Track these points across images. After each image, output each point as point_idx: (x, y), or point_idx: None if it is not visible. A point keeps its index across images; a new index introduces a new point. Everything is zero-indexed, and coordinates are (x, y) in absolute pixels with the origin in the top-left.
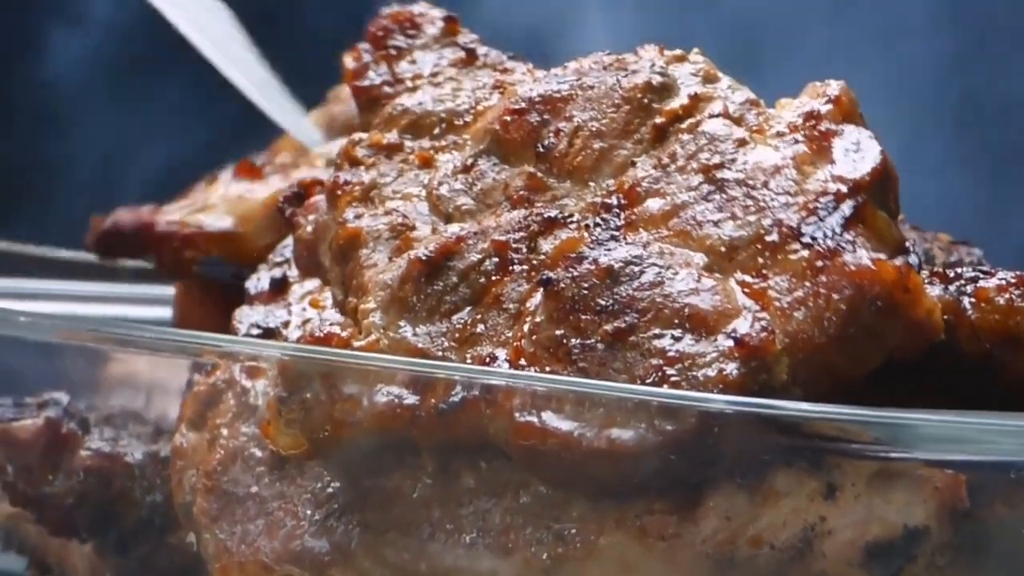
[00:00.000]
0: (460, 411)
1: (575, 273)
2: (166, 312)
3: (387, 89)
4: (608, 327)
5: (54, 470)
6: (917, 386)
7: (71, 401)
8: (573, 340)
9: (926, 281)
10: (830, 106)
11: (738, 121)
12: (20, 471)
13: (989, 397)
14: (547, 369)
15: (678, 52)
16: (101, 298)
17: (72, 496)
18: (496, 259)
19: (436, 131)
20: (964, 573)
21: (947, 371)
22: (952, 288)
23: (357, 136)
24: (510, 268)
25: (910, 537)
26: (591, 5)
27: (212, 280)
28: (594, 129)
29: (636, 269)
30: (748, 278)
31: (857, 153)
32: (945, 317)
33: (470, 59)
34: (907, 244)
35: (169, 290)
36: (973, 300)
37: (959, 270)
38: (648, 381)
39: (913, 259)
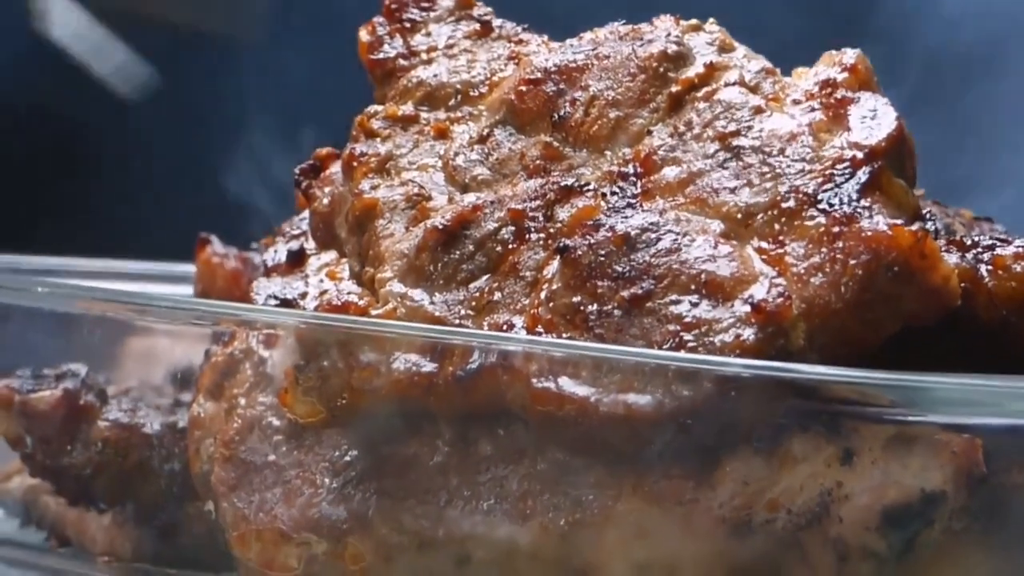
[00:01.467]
0: (477, 378)
1: (592, 240)
2: (187, 289)
3: (402, 62)
4: (625, 293)
5: (72, 441)
6: (934, 353)
7: (89, 372)
8: (590, 307)
9: (943, 249)
10: (846, 74)
11: (754, 89)
12: (39, 442)
13: (1006, 364)
14: (564, 336)
15: (693, 22)
16: (120, 275)
17: (90, 467)
18: (513, 227)
19: (451, 102)
20: (980, 537)
21: (964, 338)
22: (969, 256)
23: (373, 108)
24: (527, 236)
25: (927, 501)
26: None
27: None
28: (610, 98)
29: (653, 236)
30: (765, 244)
31: (873, 120)
32: (962, 284)
33: (485, 31)
34: (924, 212)
35: (189, 267)
36: (990, 267)
37: (976, 238)
38: (665, 347)
39: (930, 225)
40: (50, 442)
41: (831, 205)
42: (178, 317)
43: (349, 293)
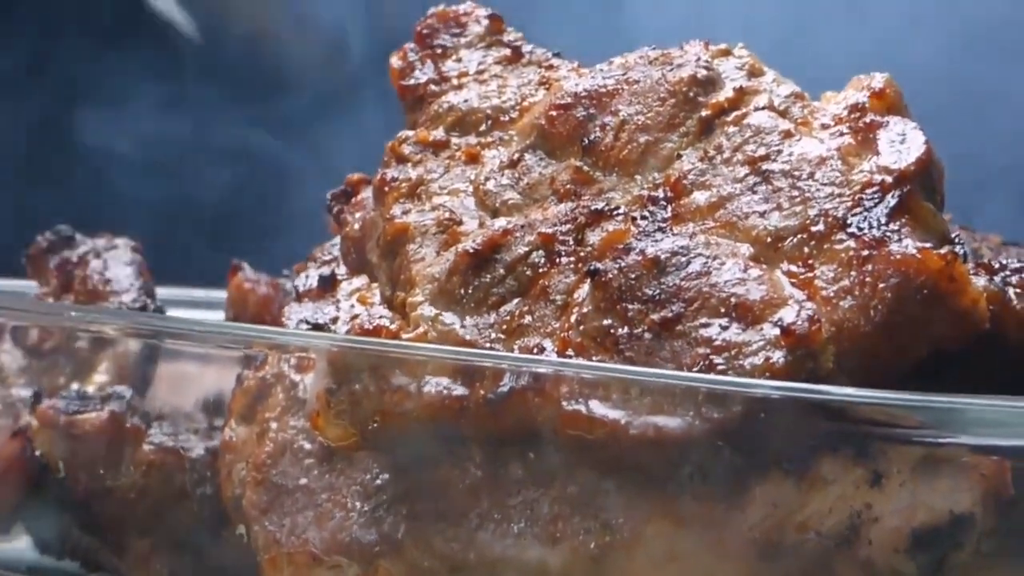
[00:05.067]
0: (508, 401)
1: (622, 264)
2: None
3: (433, 87)
4: (655, 316)
5: (117, 464)
6: (962, 376)
7: (134, 395)
8: (620, 330)
9: (971, 272)
10: (875, 98)
11: (783, 114)
12: (84, 464)
13: None
14: (595, 358)
15: (723, 46)
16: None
17: (134, 490)
18: (543, 251)
19: (482, 127)
20: (1009, 559)
21: (992, 360)
22: (997, 279)
23: (404, 134)
24: (557, 260)
25: (956, 524)
26: None
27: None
28: (640, 123)
29: (683, 259)
30: (794, 268)
31: (902, 144)
32: (990, 307)
33: (515, 56)
34: (953, 235)
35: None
36: (1018, 290)
37: (1004, 261)
38: (695, 370)
39: (959, 249)
40: (95, 464)
41: (860, 229)
42: (212, 341)
43: (380, 317)
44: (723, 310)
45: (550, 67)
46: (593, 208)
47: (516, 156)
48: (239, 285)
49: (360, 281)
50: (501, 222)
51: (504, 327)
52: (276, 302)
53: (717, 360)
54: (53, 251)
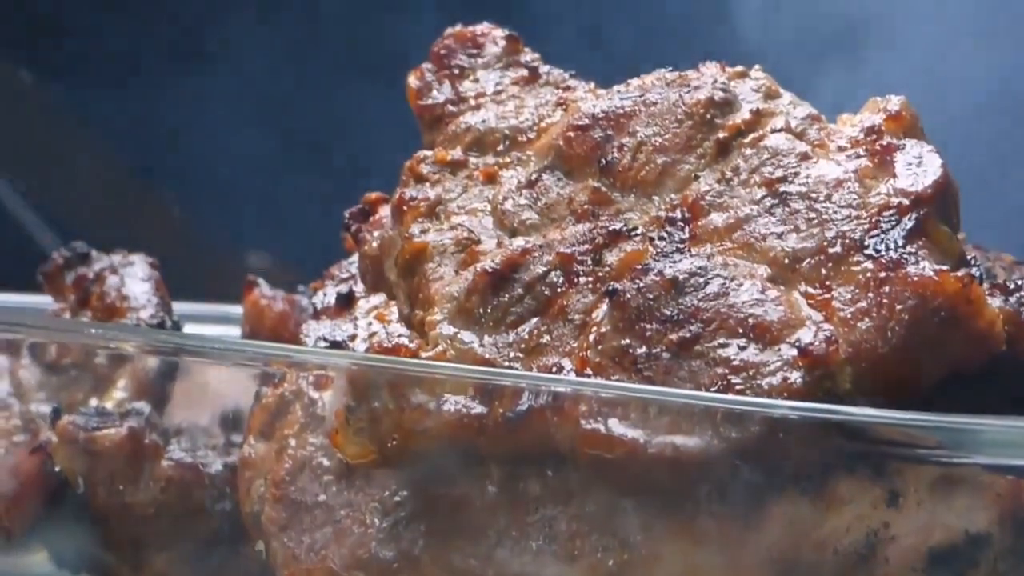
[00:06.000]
0: (527, 419)
1: (640, 284)
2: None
3: (450, 108)
4: (673, 336)
5: (136, 480)
6: (978, 397)
7: (152, 411)
8: (638, 349)
9: (987, 293)
10: (891, 121)
11: (800, 136)
12: (103, 480)
13: None
14: (613, 378)
15: (739, 68)
16: None
17: (153, 506)
18: (561, 271)
19: (500, 147)
20: None
21: (1008, 382)
22: (1012, 299)
23: (422, 153)
24: (575, 280)
25: (972, 543)
26: None
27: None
28: (657, 144)
29: (701, 280)
30: (811, 289)
31: (919, 167)
32: (1006, 328)
33: (532, 77)
34: (968, 257)
35: (236, 309)
36: None
37: (1020, 281)
38: (713, 390)
39: (975, 271)
40: (114, 480)
41: (878, 251)
42: (230, 359)
43: (399, 335)
44: (741, 330)
45: (567, 88)
46: (611, 228)
47: (534, 176)
48: (255, 301)
49: (378, 299)
50: (519, 242)
51: (523, 346)
52: (292, 318)
53: (735, 380)
54: (69, 267)
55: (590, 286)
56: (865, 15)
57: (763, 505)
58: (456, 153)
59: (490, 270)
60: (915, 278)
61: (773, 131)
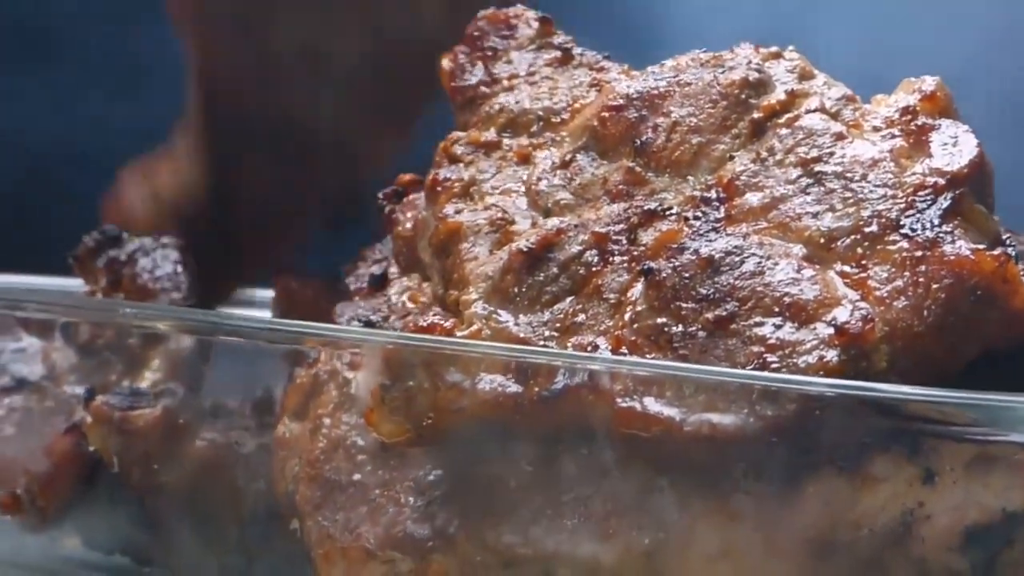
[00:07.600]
0: (562, 398)
1: (676, 263)
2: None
3: (484, 89)
4: (709, 315)
5: (170, 459)
6: (1012, 376)
7: (186, 391)
8: (674, 328)
9: (1022, 273)
10: (926, 101)
11: (835, 116)
12: (137, 459)
13: None
14: (649, 356)
15: (774, 49)
16: None
17: (187, 485)
18: (596, 250)
19: (534, 128)
20: None
21: None
22: None
23: (456, 134)
24: (610, 259)
25: (1008, 521)
26: None
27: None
28: (692, 124)
29: (736, 259)
30: (847, 268)
31: (954, 147)
32: None
33: (566, 59)
34: (1004, 237)
35: (263, 292)
36: None
37: None
38: (749, 368)
39: (1011, 250)
40: (148, 459)
41: (913, 230)
42: (264, 338)
43: (434, 315)
44: (777, 309)
45: (600, 69)
46: (646, 208)
47: (568, 157)
48: (286, 285)
49: (411, 280)
50: (554, 221)
51: (558, 325)
52: (323, 302)
53: (771, 358)
54: (101, 250)
55: (625, 265)
56: None
57: (798, 483)
58: (490, 134)
59: (525, 249)
60: (951, 257)
61: (808, 111)
